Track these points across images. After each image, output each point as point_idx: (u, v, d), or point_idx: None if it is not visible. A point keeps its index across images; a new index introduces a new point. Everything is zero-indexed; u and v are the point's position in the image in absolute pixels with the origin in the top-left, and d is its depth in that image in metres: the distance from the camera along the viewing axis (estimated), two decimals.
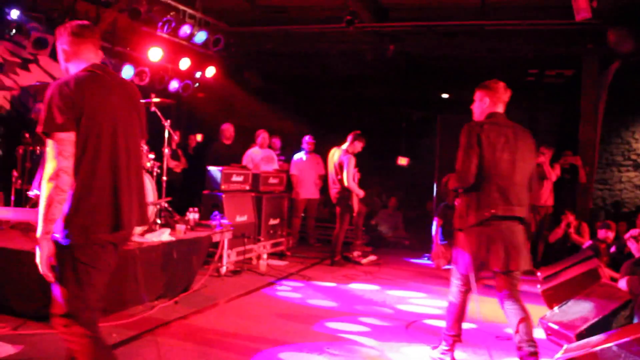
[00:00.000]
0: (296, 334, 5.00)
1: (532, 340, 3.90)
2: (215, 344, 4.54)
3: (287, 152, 10.61)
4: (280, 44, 10.49)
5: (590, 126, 9.91)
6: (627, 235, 6.48)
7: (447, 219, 9.24)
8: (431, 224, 9.02)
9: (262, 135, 9.38)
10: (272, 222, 8.70)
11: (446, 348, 4.38)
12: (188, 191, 9.39)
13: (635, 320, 4.61)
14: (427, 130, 12.76)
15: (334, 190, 8.58)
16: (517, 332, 3.94)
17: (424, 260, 9.68)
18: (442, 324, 5.61)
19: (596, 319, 4.77)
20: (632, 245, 5.93)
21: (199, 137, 11.08)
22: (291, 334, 4.97)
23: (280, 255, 8.81)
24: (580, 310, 5.05)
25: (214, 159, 8.40)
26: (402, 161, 12.91)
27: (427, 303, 6.53)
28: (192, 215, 6.64)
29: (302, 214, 9.99)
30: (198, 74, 10.28)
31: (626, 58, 8.98)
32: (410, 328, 5.42)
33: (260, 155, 9.31)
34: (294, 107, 12.54)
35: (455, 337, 4.37)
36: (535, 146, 4.22)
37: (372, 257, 9.06)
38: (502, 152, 4.00)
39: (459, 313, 4.33)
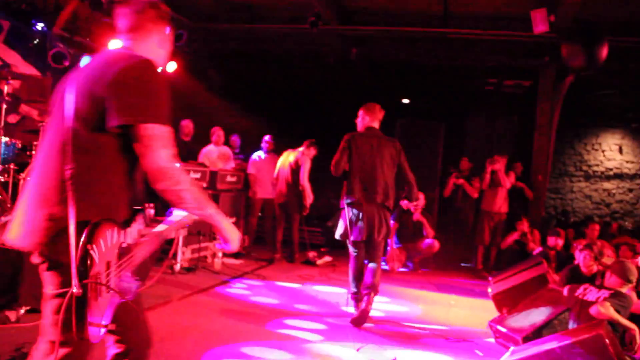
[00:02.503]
0: (249, 332, 4.99)
1: (369, 287, 5.51)
2: (167, 342, 4.49)
3: (246, 151, 10.56)
4: (243, 42, 10.45)
5: (545, 136, 10.17)
6: (575, 247, 6.73)
7: (403, 223, 9.36)
8: None
9: (217, 133, 9.33)
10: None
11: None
12: (145, 186, 9.25)
13: (570, 326, 4.77)
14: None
15: (283, 190, 8.72)
16: (366, 282, 5.54)
17: None
18: (394, 325, 5.69)
19: (542, 323, 4.90)
20: (578, 256, 6.12)
21: None
22: (244, 333, 4.96)
23: (235, 254, 8.76)
24: (527, 314, 5.17)
25: None
26: None
27: (380, 304, 6.59)
28: (148, 211, 6.55)
29: (259, 214, 9.97)
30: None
31: (577, 72, 9.24)
32: (362, 329, 5.47)
33: (216, 153, 9.26)
34: (255, 106, 12.48)
35: (355, 295, 5.65)
36: (396, 152, 5.74)
37: (327, 258, 9.10)
38: (366, 156, 5.64)
39: (356, 273, 5.67)
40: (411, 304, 6.87)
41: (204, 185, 7.99)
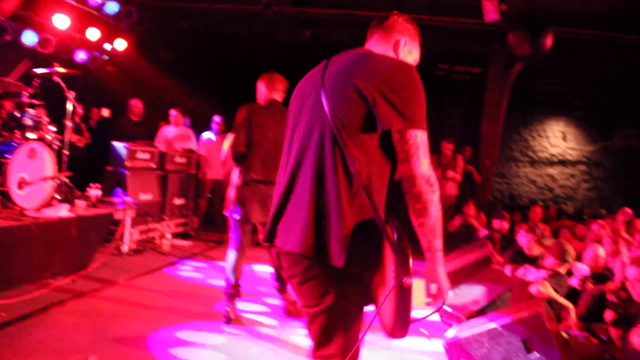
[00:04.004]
0: (197, 313, 4.98)
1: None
2: (113, 323, 4.45)
3: (196, 132, 10.44)
4: (195, 21, 10.28)
5: (493, 122, 10.40)
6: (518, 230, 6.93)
7: None
8: None
9: (173, 113, 9.22)
10: (178, 201, 8.57)
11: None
12: (91, 167, 9.07)
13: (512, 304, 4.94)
14: None
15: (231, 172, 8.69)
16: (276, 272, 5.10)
17: None
18: None
19: (485, 302, 5.05)
20: (521, 239, 6.30)
21: (105, 112, 10.70)
22: (192, 314, 4.95)
23: (184, 235, 8.70)
24: (471, 293, 5.32)
25: (120, 135, 8.16)
26: None
27: None
28: (94, 192, 6.43)
29: (209, 195, 9.90)
30: (108, 47, 9.90)
31: (523, 60, 9.46)
32: None
33: (173, 133, 9.14)
34: (206, 87, 12.33)
35: (231, 290, 4.88)
36: None
37: None
38: (268, 131, 4.86)
39: (238, 263, 4.91)
40: None
41: (153, 165, 7.88)
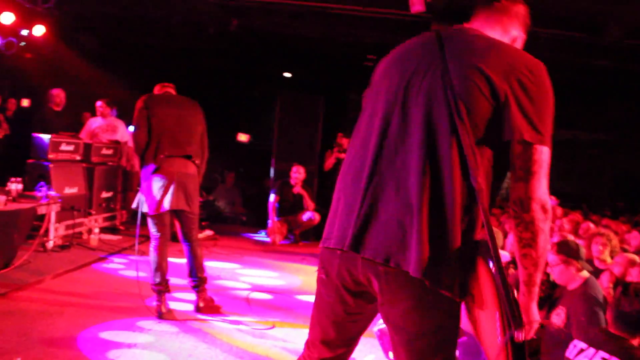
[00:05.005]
0: (128, 309, 4.89)
1: (196, 276, 4.97)
2: (38, 323, 4.29)
3: (126, 122, 10.17)
4: (118, 6, 9.96)
5: None
6: None
7: (283, 196, 9.47)
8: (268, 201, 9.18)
9: (99, 104, 8.94)
10: (105, 194, 8.33)
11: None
12: (10, 160, 8.67)
13: None
14: (268, 108, 12.88)
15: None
16: (189, 267, 5.00)
17: (260, 236, 9.83)
18: (274, 296, 5.79)
19: None
20: None
21: (25, 102, 10.25)
22: (122, 310, 4.85)
23: (113, 230, 8.47)
24: None
25: (42, 126, 7.82)
26: (243, 137, 12.94)
27: (261, 278, 6.66)
28: (15, 186, 6.15)
29: (138, 187, 9.66)
30: (25, 32, 9.45)
31: None
32: (242, 300, 5.51)
33: (97, 124, 8.87)
34: (132, 75, 11.99)
35: (159, 287, 4.79)
36: (202, 117, 5.13)
37: (208, 232, 9.03)
38: (170, 117, 4.84)
39: (161, 258, 4.85)
40: (291, 275, 7.00)
41: (78, 158, 7.62)
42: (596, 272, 4.63)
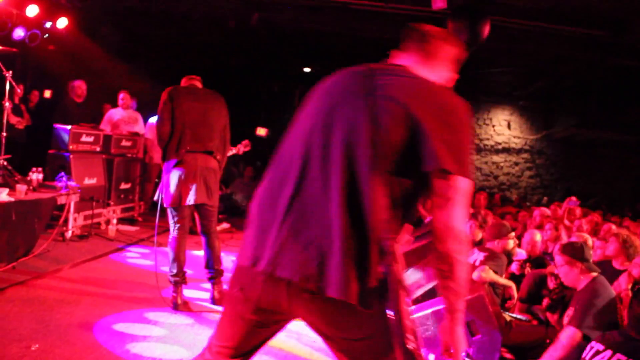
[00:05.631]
0: (144, 300, 4.92)
1: (213, 268, 5.01)
2: (56, 311, 4.34)
3: (143, 115, 10.24)
4: (140, 1, 10.02)
5: None
6: None
7: None
8: None
9: (121, 96, 9.01)
10: (124, 186, 8.40)
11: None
12: (32, 150, 8.78)
13: None
14: (287, 103, 12.90)
15: None
16: (206, 259, 5.04)
17: None
18: None
19: (431, 286, 5.16)
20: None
21: (47, 93, 10.35)
22: (139, 300, 4.88)
23: (130, 221, 8.54)
24: (417, 278, 5.42)
25: (63, 117, 7.91)
26: (261, 132, 12.95)
27: None
28: (36, 176, 6.23)
29: (156, 179, 9.73)
30: (48, 24, 9.55)
31: (465, 49, 9.62)
32: None
33: (120, 116, 8.93)
34: (152, 69, 12.07)
35: (176, 278, 4.85)
36: (226, 110, 5.09)
37: (225, 225, 9.07)
38: (194, 110, 4.83)
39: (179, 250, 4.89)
40: None
41: (98, 149, 7.69)
42: (615, 274, 4.59)
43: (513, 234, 5.26)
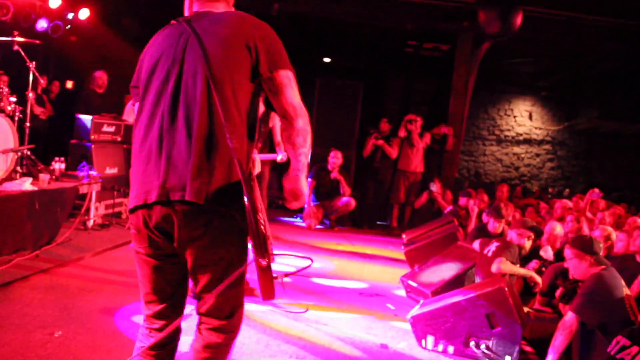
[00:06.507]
0: None
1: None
2: (79, 298, 4.40)
3: None
4: None
5: (460, 100, 10.47)
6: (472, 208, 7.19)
7: (320, 181, 9.48)
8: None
9: None
10: None
11: None
12: (54, 140, 8.87)
13: (476, 280, 5.05)
14: (307, 93, 12.86)
15: None
16: None
17: (296, 220, 9.87)
18: (307, 280, 5.82)
19: (451, 277, 5.15)
20: (486, 217, 6.40)
21: (69, 84, 10.44)
22: None
23: None
24: (437, 269, 5.41)
25: (85, 107, 7.98)
26: None
27: (299, 260, 6.68)
28: (58, 165, 6.30)
29: None
30: (70, 15, 9.63)
31: (493, 38, 9.54)
32: (276, 284, 5.54)
33: None
34: None
35: None
36: None
37: None
38: None
39: None
40: (326, 260, 7.01)
41: (119, 139, 7.75)
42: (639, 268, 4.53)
43: (533, 236, 5.22)
